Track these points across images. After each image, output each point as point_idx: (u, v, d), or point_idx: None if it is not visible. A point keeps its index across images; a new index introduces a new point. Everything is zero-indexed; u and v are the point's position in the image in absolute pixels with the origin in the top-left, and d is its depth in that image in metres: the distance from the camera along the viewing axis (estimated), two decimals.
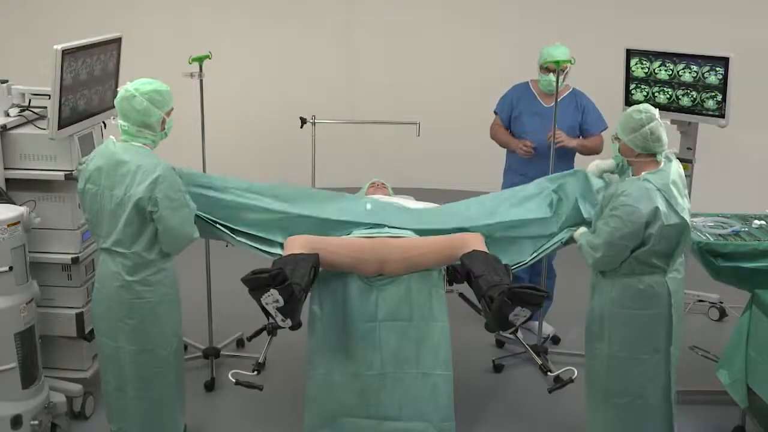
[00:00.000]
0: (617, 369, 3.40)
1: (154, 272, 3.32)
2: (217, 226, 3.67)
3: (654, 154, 3.26)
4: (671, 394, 3.43)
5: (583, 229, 3.52)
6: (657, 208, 3.15)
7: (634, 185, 3.21)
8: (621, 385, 3.41)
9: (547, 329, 4.69)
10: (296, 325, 3.22)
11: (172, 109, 3.36)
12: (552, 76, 4.23)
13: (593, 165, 3.73)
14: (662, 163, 3.27)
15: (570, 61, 4.29)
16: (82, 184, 3.32)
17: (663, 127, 3.26)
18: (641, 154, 3.27)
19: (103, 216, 3.29)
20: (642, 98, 4.58)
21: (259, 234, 3.74)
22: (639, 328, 3.35)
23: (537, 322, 4.67)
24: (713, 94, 4.35)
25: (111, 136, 3.32)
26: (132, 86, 3.26)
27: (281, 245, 3.74)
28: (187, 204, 3.33)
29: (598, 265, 3.31)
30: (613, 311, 3.35)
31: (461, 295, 3.75)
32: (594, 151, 4.47)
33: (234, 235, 3.69)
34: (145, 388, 3.41)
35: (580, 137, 4.51)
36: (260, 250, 3.71)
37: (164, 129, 3.34)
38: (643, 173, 3.24)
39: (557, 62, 4.20)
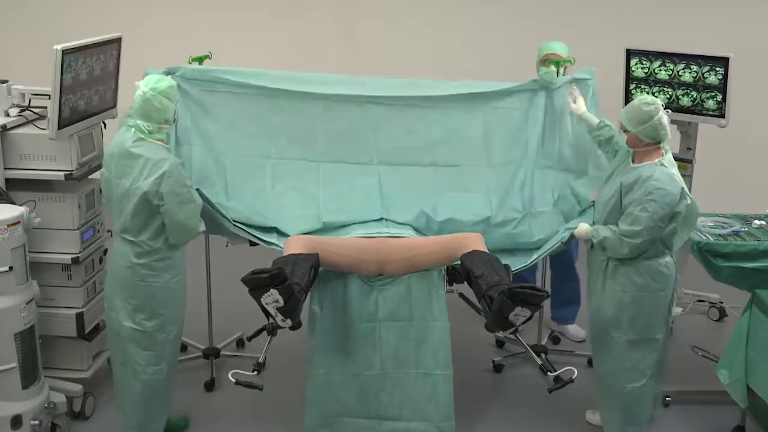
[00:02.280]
0: (635, 353, 3.48)
1: (159, 259, 3.39)
2: (220, 212, 3.70)
3: (659, 142, 3.37)
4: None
5: (586, 225, 3.53)
6: (683, 188, 3.33)
7: (657, 170, 3.32)
8: (638, 369, 3.50)
9: (577, 332, 4.69)
10: (296, 325, 3.23)
11: (178, 100, 3.47)
12: (553, 68, 4.25)
13: (581, 103, 3.87)
14: (664, 150, 3.39)
15: (570, 61, 4.30)
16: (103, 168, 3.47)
17: (666, 115, 3.39)
18: (649, 144, 3.37)
19: (112, 202, 3.40)
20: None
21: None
22: (656, 309, 3.46)
23: (571, 326, 4.75)
24: (713, 94, 4.35)
25: (132, 128, 3.37)
26: (147, 87, 3.30)
27: (277, 233, 3.78)
28: (193, 199, 3.38)
29: (634, 251, 3.36)
30: (635, 296, 3.42)
31: (461, 295, 3.75)
32: None
33: (231, 221, 3.73)
34: (140, 367, 3.47)
35: None
36: (256, 237, 3.74)
37: (175, 120, 3.44)
38: (657, 159, 3.36)
39: (558, 63, 4.21)
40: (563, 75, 4.25)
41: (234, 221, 3.74)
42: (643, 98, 3.39)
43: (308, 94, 3.95)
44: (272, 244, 3.74)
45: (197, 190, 3.56)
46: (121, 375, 3.55)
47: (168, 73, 3.72)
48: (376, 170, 4.00)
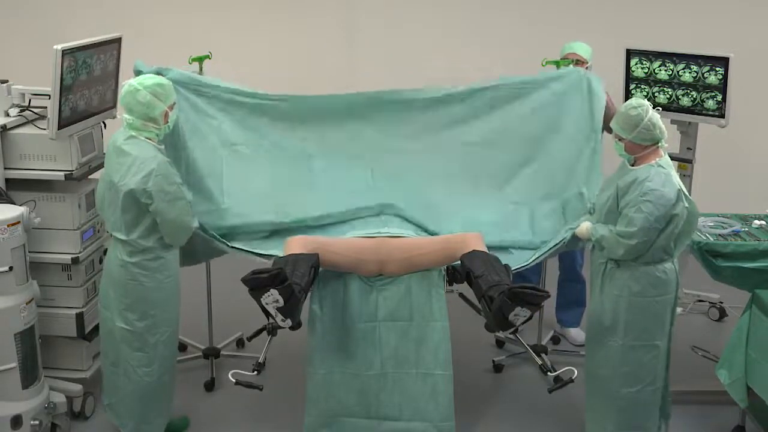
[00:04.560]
0: (631, 359, 3.45)
1: (152, 258, 3.39)
2: (216, 237, 3.72)
3: (658, 142, 3.34)
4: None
5: (587, 224, 3.53)
6: (679, 190, 3.29)
7: (653, 171, 3.30)
8: (634, 375, 3.47)
9: (579, 336, 4.64)
10: (296, 325, 3.23)
11: (175, 102, 3.45)
12: (572, 68, 4.26)
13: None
14: (662, 151, 3.37)
15: (568, 62, 4.30)
16: None
17: (657, 114, 3.37)
18: (647, 146, 3.34)
19: (105, 201, 3.40)
20: (642, 98, 4.57)
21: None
22: (655, 315, 3.42)
23: (573, 329, 4.73)
24: (713, 94, 4.35)
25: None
26: (135, 81, 3.35)
27: (278, 237, 3.78)
28: (183, 196, 3.39)
29: (630, 252, 3.33)
30: (632, 300, 3.40)
31: (461, 295, 3.75)
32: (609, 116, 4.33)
33: (228, 245, 3.75)
34: (131, 368, 3.48)
35: None
36: (257, 253, 3.73)
37: (167, 122, 3.42)
38: (654, 161, 3.33)
39: (557, 62, 4.21)
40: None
41: (231, 244, 3.75)
42: (629, 104, 3.36)
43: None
44: (273, 257, 3.69)
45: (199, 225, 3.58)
46: (113, 375, 3.56)
47: (158, 73, 3.72)
48: (367, 163, 4.08)
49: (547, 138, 4.05)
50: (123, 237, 3.35)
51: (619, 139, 3.39)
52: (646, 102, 3.35)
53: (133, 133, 3.35)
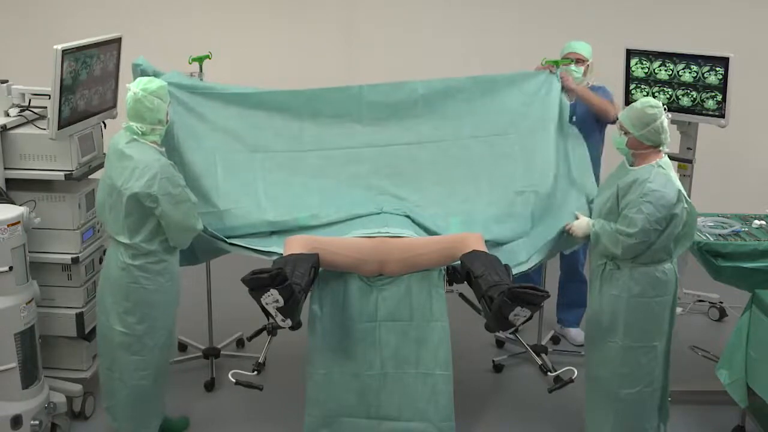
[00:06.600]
0: (630, 360, 3.45)
1: (155, 261, 3.38)
2: (212, 234, 3.71)
3: (659, 145, 3.35)
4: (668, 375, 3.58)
5: (586, 219, 3.52)
6: (680, 190, 3.29)
7: (654, 172, 3.30)
8: (632, 376, 3.46)
9: (579, 336, 4.64)
10: (296, 325, 3.23)
11: (170, 102, 3.46)
12: (573, 67, 4.26)
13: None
14: (663, 153, 3.37)
15: (567, 61, 4.30)
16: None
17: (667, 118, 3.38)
18: (648, 147, 3.34)
19: (105, 205, 3.38)
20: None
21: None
22: (654, 316, 3.42)
23: (573, 329, 4.73)
24: (713, 94, 4.35)
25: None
26: (138, 88, 3.32)
27: (277, 236, 3.78)
28: (188, 198, 3.38)
29: (628, 252, 3.32)
30: (631, 301, 3.39)
31: (461, 295, 3.75)
32: (601, 108, 4.33)
33: (227, 241, 3.74)
34: (127, 372, 3.47)
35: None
36: (257, 250, 3.72)
37: (168, 121, 3.43)
38: (655, 161, 3.33)
39: (556, 62, 4.21)
40: (582, 75, 4.30)
41: (230, 241, 3.74)
42: (645, 101, 3.36)
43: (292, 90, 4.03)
44: (273, 254, 3.69)
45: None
46: (109, 379, 3.55)
47: (155, 75, 3.72)
48: (364, 155, 4.07)
49: (532, 129, 4.10)
50: (126, 241, 3.33)
51: (625, 133, 3.39)
52: (661, 104, 3.35)
53: (135, 137, 3.33)
